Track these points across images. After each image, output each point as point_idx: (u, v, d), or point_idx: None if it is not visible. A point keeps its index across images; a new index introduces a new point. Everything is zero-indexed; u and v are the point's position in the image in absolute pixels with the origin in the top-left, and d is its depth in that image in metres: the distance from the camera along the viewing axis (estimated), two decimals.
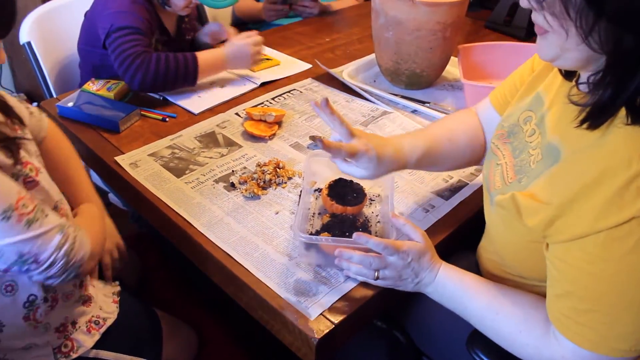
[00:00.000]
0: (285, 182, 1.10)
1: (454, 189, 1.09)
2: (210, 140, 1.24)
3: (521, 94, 0.85)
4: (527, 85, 0.84)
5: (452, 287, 0.80)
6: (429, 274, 0.81)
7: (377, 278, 0.82)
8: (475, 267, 0.99)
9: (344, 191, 0.99)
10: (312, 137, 1.23)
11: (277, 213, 1.02)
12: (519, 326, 0.73)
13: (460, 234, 1.05)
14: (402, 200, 1.06)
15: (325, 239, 0.86)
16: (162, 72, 1.23)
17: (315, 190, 1.06)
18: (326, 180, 1.02)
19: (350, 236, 0.87)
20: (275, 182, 1.09)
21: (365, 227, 0.93)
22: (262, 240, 0.96)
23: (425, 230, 0.99)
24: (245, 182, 1.09)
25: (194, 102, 1.37)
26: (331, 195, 0.98)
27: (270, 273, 0.89)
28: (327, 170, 1.09)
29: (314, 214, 1.00)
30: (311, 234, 0.93)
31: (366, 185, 1.03)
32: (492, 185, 0.82)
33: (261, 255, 0.93)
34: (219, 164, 1.16)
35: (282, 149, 1.22)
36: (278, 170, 1.11)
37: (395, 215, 0.85)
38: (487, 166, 0.86)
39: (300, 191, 1.00)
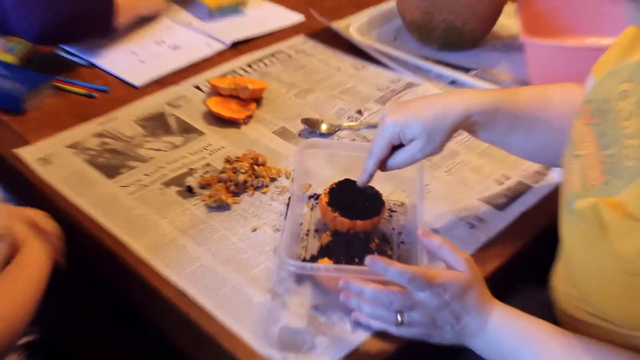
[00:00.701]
0: (267, 185, 1.10)
1: (512, 195, 1.09)
2: (157, 125, 1.23)
3: (622, 52, 0.83)
4: (631, 39, 0.83)
5: (511, 339, 0.80)
6: (477, 319, 0.81)
7: (401, 324, 0.81)
8: (545, 307, 0.97)
9: (351, 198, 0.99)
10: (306, 121, 1.22)
11: (254, 230, 1.02)
12: None
13: (522, 260, 1.03)
14: (436, 210, 1.06)
15: (325, 268, 0.86)
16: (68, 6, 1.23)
17: (311, 197, 1.07)
18: (326, 182, 1.02)
19: (360, 263, 0.86)
20: (252, 185, 1.10)
21: (382, 250, 0.93)
22: (233, 270, 0.96)
23: (471, 255, 0.97)
24: (209, 185, 1.09)
25: (135, 70, 1.36)
26: (333, 205, 0.98)
27: (245, 318, 0.89)
28: (326, 168, 1.08)
29: (308, 231, 1.00)
30: (304, 260, 0.94)
31: (384, 189, 1.04)
32: (569, 186, 0.81)
33: (232, 291, 0.93)
34: (170, 159, 1.16)
35: (262, 138, 1.21)
36: (256, 168, 1.11)
37: (427, 232, 0.85)
38: (564, 157, 0.85)
39: (289, 198, 0.98)
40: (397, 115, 0.90)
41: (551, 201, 0.93)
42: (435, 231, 1.02)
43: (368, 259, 0.80)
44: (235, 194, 1.08)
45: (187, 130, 1.22)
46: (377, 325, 0.84)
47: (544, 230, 1.02)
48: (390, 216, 1.03)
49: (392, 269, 0.79)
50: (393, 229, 1.01)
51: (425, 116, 0.89)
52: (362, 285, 0.82)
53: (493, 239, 1.01)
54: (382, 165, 0.93)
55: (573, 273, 0.85)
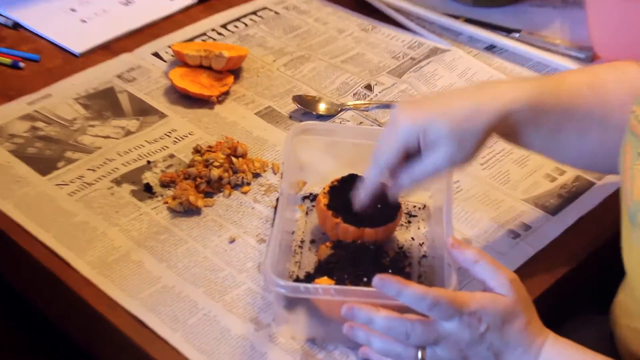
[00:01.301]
0: (248, 183, 1.11)
1: (568, 195, 1.10)
2: (105, 104, 1.24)
3: None
4: None
5: None
6: (523, 356, 0.82)
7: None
8: (607, 341, 0.99)
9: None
10: (299, 99, 1.24)
11: (232, 241, 1.03)
12: None
13: (580, 280, 1.03)
14: (469, 215, 1.07)
15: (323, 289, 0.86)
16: None
17: (306, 197, 1.08)
18: (325, 179, 1.03)
19: (370, 283, 0.85)
20: (229, 182, 1.10)
21: (398, 267, 0.93)
22: (204, 294, 0.96)
23: (515, 272, 0.98)
24: (173, 183, 1.10)
25: (74, 32, 1.36)
26: (335, 208, 0.98)
27: (221, 355, 0.89)
28: (326, 160, 1.09)
29: (302, 242, 1.01)
30: (297, 279, 0.95)
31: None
32: (631, 193, 0.82)
33: (203, 321, 0.93)
34: (122, 149, 1.16)
35: (241, 121, 1.22)
36: (234, 160, 1.11)
37: (459, 242, 0.85)
38: (622, 156, 0.86)
39: (277, 200, 0.98)
40: (414, 114, 0.88)
41: (619, 203, 0.94)
42: (468, 241, 1.03)
43: (377, 279, 0.80)
44: (208, 195, 1.08)
45: (144, 111, 1.22)
46: None
47: (608, 241, 1.02)
48: (409, 222, 1.04)
49: (408, 291, 0.79)
50: (412, 239, 1.02)
51: (453, 115, 0.88)
52: (372, 312, 0.82)
53: (542, 252, 1.02)
54: (391, 180, 0.93)
55: (638, 304, 0.87)
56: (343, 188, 1.01)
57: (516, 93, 0.90)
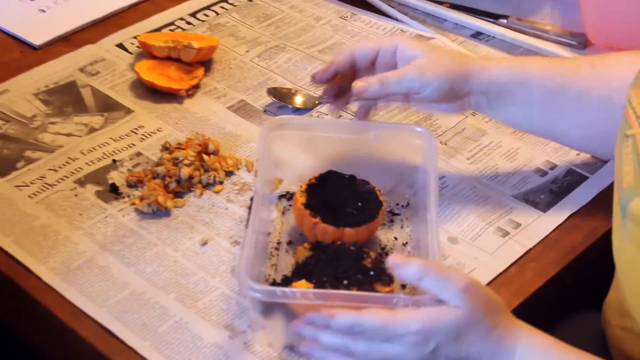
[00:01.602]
0: (221, 182, 1.11)
1: (560, 190, 1.11)
2: (67, 100, 1.24)
3: None
4: None
5: None
6: (501, 356, 0.83)
7: None
8: (601, 341, 1.00)
9: (338, 197, 1.01)
10: (274, 92, 1.24)
11: (204, 244, 1.03)
12: None
13: (574, 279, 1.04)
14: (455, 212, 1.08)
15: (301, 293, 0.87)
16: None
17: (282, 196, 1.08)
18: (302, 177, 1.04)
19: (350, 285, 0.88)
20: (200, 181, 1.10)
21: (380, 269, 0.93)
22: (175, 300, 0.96)
23: (504, 273, 0.99)
24: (141, 183, 1.10)
25: (32, 22, 1.36)
26: (313, 207, 0.99)
27: None
28: (303, 157, 1.09)
29: (278, 243, 1.02)
30: (274, 283, 0.95)
31: (383, 183, 1.05)
32: (619, 180, 0.83)
33: (174, 329, 0.93)
34: (85, 147, 1.16)
35: (213, 116, 1.22)
36: (206, 158, 1.12)
37: (397, 259, 0.84)
38: (617, 141, 0.88)
39: (251, 199, 0.98)
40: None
41: (612, 200, 0.95)
42: (454, 241, 1.04)
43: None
44: (178, 195, 1.09)
45: (108, 106, 1.22)
46: None
47: (602, 239, 1.03)
48: (392, 221, 1.05)
49: (336, 320, 0.81)
50: (395, 238, 1.03)
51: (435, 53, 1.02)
52: (317, 331, 0.83)
53: (533, 251, 1.03)
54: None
55: (628, 302, 0.87)
56: (321, 186, 1.01)
57: (502, 62, 0.97)
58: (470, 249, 1.03)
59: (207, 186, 1.10)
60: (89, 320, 0.94)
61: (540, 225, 1.06)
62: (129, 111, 1.22)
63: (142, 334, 0.92)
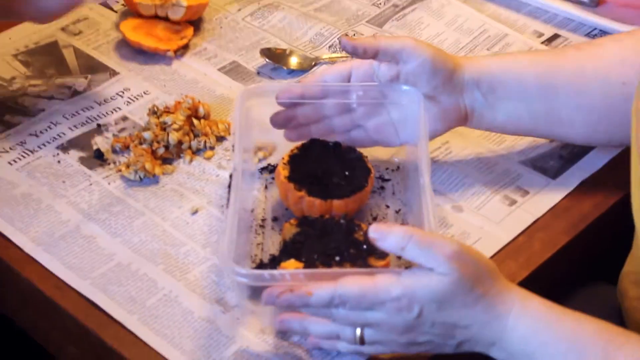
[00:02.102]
0: (212, 148, 1.12)
1: (569, 155, 1.12)
2: (48, 61, 1.24)
3: None
4: None
5: (545, 345, 0.84)
6: (484, 328, 0.84)
7: (363, 342, 0.85)
8: (617, 314, 1.02)
9: (323, 167, 1.01)
10: (267, 53, 1.24)
11: (195, 212, 1.04)
12: None
13: (585, 250, 1.05)
14: (459, 179, 1.08)
15: (291, 274, 0.86)
16: None
17: (263, 169, 1.09)
18: (285, 147, 1.04)
19: (343, 262, 0.88)
20: (190, 147, 1.11)
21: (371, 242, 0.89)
22: (164, 271, 0.97)
23: (511, 243, 1.01)
24: (127, 149, 1.10)
25: None
26: (297, 179, 0.99)
27: (183, 340, 0.90)
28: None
29: (263, 220, 1.02)
30: (260, 264, 0.94)
31: (370, 149, 1.05)
32: None
33: (163, 302, 0.94)
34: (68, 111, 1.16)
35: (203, 79, 1.22)
36: (196, 122, 1.12)
37: (378, 228, 0.84)
38: (634, 99, 0.89)
39: (230, 175, 0.99)
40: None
41: (628, 166, 0.95)
42: (459, 210, 1.05)
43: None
44: (166, 161, 1.09)
45: (92, 68, 1.22)
46: (342, 347, 0.87)
47: (615, 207, 1.04)
48: (382, 188, 1.05)
49: (316, 293, 0.82)
50: (387, 206, 1.03)
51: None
52: (303, 297, 0.84)
53: (542, 220, 1.04)
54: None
55: None
56: (305, 156, 1.01)
57: (489, 56, 0.98)
58: (476, 218, 1.03)
59: (197, 152, 1.11)
60: (73, 292, 0.94)
61: (549, 193, 1.06)
62: (114, 73, 1.22)
63: (129, 307, 0.93)
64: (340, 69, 1.04)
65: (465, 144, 1.13)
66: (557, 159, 1.11)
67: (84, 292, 0.94)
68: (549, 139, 1.11)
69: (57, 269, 0.96)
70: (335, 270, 0.87)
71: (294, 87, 1.07)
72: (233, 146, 0.99)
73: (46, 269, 0.97)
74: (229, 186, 0.97)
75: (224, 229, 0.89)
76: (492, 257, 0.98)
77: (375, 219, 1.01)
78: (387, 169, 1.07)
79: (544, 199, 1.06)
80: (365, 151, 1.04)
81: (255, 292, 0.90)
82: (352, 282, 0.82)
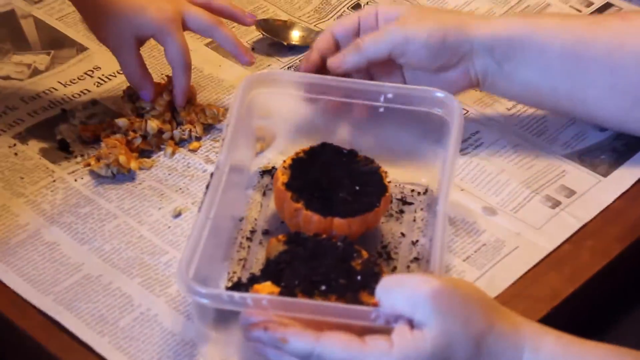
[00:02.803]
0: (199, 137, 1.12)
1: (624, 149, 1.12)
2: (4, 33, 1.24)
3: None
4: None
5: None
6: None
7: None
8: None
9: (330, 177, 1.00)
10: (264, 25, 1.23)
11: (178, 215, 1.04)
12: None
13: None
14: (493, 177, 1.08)
15: (253, 300, 0.84)
16: None
17: (265, 172, 1.09)
18: (291, 151, 1.03)
19: (330, 293, 0.88)
20: (172, 137, 1.11)
21: (371, 273, 0.91)
22: (140, 285, 0.97)
23: (554, 251, 0.99)
24: (97, 138, 1.09)
25: None
26: (295, 188, 0.98)
27: None
28: (293, 124, 1.08)
29: (252, 232, 1.02)
30: (237, 283, 0.93)
31: (393, 163, 1.04)
32: None
33: (140, 322, 0.93)
34: (27, 93, 1.16)
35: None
36: (179, 107, 1.12)
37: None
38: None
39: (211, 175, 0.96)
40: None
41: None
42: (492, 212, 1.03)
43: (242, 315, 0.82)
44: (144, 154, 1.08)
45: (56, 42, 1.22)
46: None
47: None
48: (401, 212, 1.04)
49: (291, 342, 0.81)
50: (403, 234, 1.02)
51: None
52: (278, 334, 0.82)
53: (591, 225, 1.03)
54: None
55: None
56: (311, 162, 1.00)
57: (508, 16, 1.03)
58: (512, 222, 1.03)
59: (180, 143, 1.10)
60: (32, 310, 0.94)
61: (599, 193, 1.06)
62: (82, 48, 1.22)
63: (99, 328, 0.92)
64: (348, 22, 1.09)
65: (499, 133, 1.13)
66: (609, 152, 1.10)
67: (45, 310, 0.93)
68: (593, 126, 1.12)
69: (14, 282, 0.96)
70: (306, 301, 0.86)
71: (314, 79, 1.07)
72: (223, 139, 0.98)
73: (1, 282, 0.96)
74: (207, 186, 0.95)
75: (189, 237, 0.89)
76: (531, 269, 0.98)
77: (385, 247, 1.00)
78: (412, 190, 1.06)
79: (594, 200, 1.05)
80: (390, 167, 1.02)
81: (220, 317, 0.90)
82: (336, 343, 0.80)
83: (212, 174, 0.96)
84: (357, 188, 0.98)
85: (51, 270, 0.96)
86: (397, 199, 1.04)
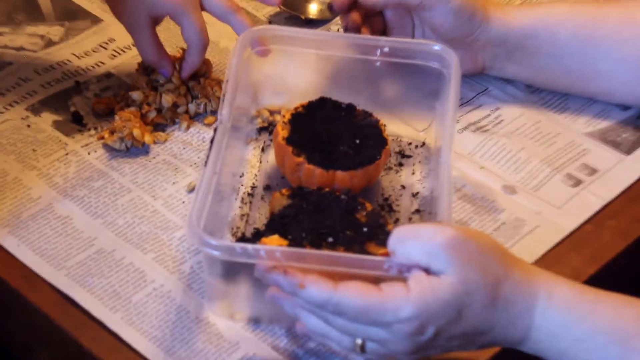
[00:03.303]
0: (214, 111, 1.11)
1: None
2: (17, 3, 1.23)
3: None
4: None
5: (584, 340, 0.84)
6: (516, 323, 0.85)
7: (364, 350, 0.85)
8: None
9: (330, 131, 1.01)
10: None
11: (192, 189, 1.03)
12: None
13: None
14: (513, 155, 1.09)
15: (267, 251, 0.85)
16: None
17: (262, 129, 1.10)
18: (289, 106, 1.04)
19: (337, 245, 0.89)
20: (187, 110, 1.11)
21: (376, 223, 0.93)
22: (154, 261, 0.97)
23: (575, 231, 0.99)
24: (111, 111, 1.09)
25: None
26: (296, 143, 0.99)
27: (177, 344, 0.90)
28: (291, 79, 1.09)
29: (253, 188, 1.03)
30: (242, 238, 0.95)
31: (395, 121, 1.05)
32: None
33: (153, 298, 0.94)
34: (41, 65, 1.16)
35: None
36: (192, 82, 1.12)
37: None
38: None
39: (215, 130, 0.97)
40: None
41: None
42: (511, 190, 1.03)
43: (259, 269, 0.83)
44: (158, 127, 1.08)
45: (70, 13, 1.21)
46: (335, 347, 0.88)
47: None
48: (401, 165, 1.05)
49: (307, 290, 0.81)
50: (403, 187, 1.02)
51: None
52: (295, 287, 0.82)
53: (613, 205, 1.03)
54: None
55: None
56: (310, 116, 1.01)
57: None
58: (532, 201, 1.03)
59: (195, 117, 1.10)
60: (45, 285, 0.94)
61: (622, 171, 1.06)
62: (96, 20, 1.21)
63: (112, 303, 0.92)
64: None
65: (519, 111, 1.13)
66: (631, 130, 1.10)
67: (57, 285, 0.93)
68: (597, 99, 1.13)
69: (26, 256, 0.96)
70: (319, 252, 0.86)
71: (310, 34, 1.09)
72: (223, 95, 0.99)
73: (12, 256, 0.96)
74: (211, 141, 0.96)
75: (197, 190, 0.89)
76: (551, 249, 0.99)
77: (386, 200, 1.01)
78: (410, 143, 1.07)
79: (616, 178, 1.06)
80: (387, 121, 1.03)
81: (228, 271, 0.90)
82: (353, 293, 0.81)
83: (215, 129, 0.96)
84: (358, 141, 0.99)
85: (63, 244, 0.96)
86: (396, 152, 1.05)
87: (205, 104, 1.10)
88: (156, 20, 1.06)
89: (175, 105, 1.08)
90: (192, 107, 1.09)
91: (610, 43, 1.06)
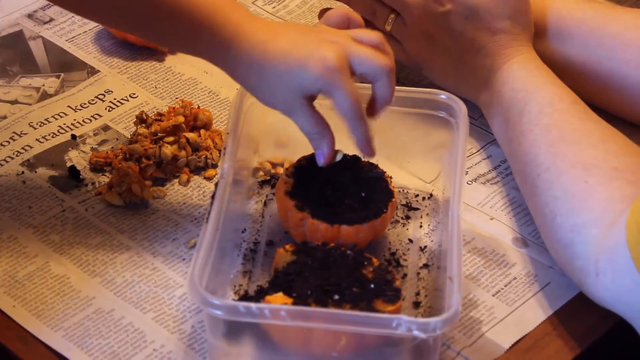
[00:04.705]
0: (215, 165, 1.12)
1: None
2: (11, 55, 1.24)
3: None
4: None
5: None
6: (486, 59, 1.09)
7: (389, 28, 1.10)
8: None
9: (335, 183, 1.02)
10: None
11: (193, 246, 1.03)
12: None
13: None
14: (524, 206, 1.08)
15: (271, 310, 0.86)
16: None
17: (264, 182, 1.10)
18: (292, 157, 1.05)
19: (343, 302, 0.89)
20: (187, 164, 1.11)
21: (384, 281, 0.93)
22: (154, 321, 0.96)
23: None
24: (109, 165, 1.10)
25: None
26: (300, 197, 1.00)
27: None
28: (293, 130, 1.06)
29: (256, 244, 1.03)
30: (245, 296, 0.95)
31: (402, 173, 1.06)
32: None
33: (153, 359, 0.93)
34: (36, 118, 1.17)
35: (203, 78, 1.23)
36: (193, 133, 1.13)
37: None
38: None
39: (216, 185, 0.98)
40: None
41: None
42: (522, 244, 1.03)
43: None
44: (157, 182, 1.08)
45: (67, 65, 1.22)
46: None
47: None
48: (408, 218, 1.06)
49: None
50: (411, 241, 1.03)
51: None
52: None
53: None
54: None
55: None
56: (314, 169, 1.00)
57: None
58: (544, 255, 1.02)
59: (195, 170, 1.10)
60: (41, 347, 0.94)
61: None
62: (93, 71, 1.22)
63: None
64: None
65: None
66: None
67: (54, 347, 0.93)
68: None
69: (22, 318, 0.96)
70: (329, 311, 0.87)
71: None
72: (224, 148, 1.00)
73: (8, 317, 0.96)
74: (212, 197, 0.96)
75: (198, 248, 0.90)
76: (565, 304, 0.98)
77: (393, 254, 1.01)
78: (417, 195, 1.08)
79: None
80: (394, 172, 1.04)
81: (232, 331, 0.90)
82: None
83: (216, 184, 0.97)
84: (363, 194, 1.00)
85: (60, 304, 0.96)
86: (402, 205, 1.06)
87: (206, 157, 1.10)
88: (312, 98, 0.99)
89: (174, 159, 1.09)
90: (192, 160, 1.10)
91: (614, 44, 1.07)
